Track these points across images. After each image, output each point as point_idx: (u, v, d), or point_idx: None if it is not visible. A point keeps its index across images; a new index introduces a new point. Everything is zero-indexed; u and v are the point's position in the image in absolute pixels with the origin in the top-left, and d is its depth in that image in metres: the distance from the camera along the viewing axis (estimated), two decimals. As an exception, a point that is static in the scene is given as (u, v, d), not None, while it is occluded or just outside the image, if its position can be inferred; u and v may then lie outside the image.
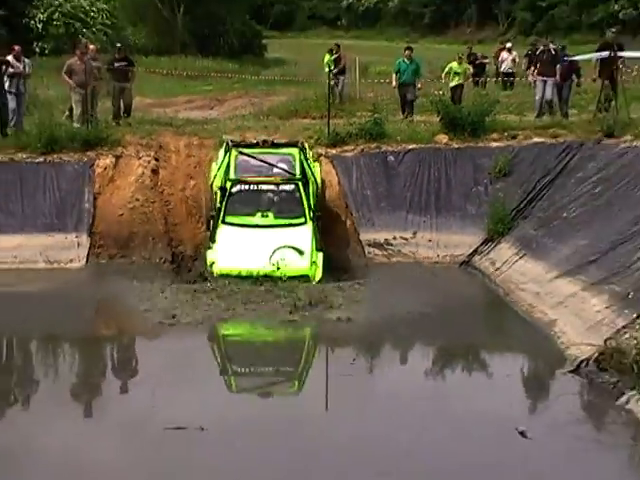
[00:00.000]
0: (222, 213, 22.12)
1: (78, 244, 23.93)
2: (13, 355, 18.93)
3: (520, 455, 12.56)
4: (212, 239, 21.89)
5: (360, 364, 17.11)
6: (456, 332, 19.07)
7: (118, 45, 32.70)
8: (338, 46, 36.05)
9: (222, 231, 21.88)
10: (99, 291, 21.81)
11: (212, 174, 23.80)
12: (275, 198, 22.79)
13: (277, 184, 22.85)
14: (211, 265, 21.26)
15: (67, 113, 28.34)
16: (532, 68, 30.12)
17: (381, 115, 27.33)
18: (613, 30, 30.49)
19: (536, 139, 25.48)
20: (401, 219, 24.62)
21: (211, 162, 24.69)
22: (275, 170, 22.92)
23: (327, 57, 36.14)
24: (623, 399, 13.75)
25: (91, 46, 30.49)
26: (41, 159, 25.22)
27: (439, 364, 17.75)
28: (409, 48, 31.99)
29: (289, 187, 22.79)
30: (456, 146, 25.76)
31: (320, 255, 21.57)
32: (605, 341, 15.27)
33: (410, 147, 25.91)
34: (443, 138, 26.05)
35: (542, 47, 29.84)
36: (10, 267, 23.00)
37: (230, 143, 23.53)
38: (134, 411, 14.53)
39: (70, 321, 19.60)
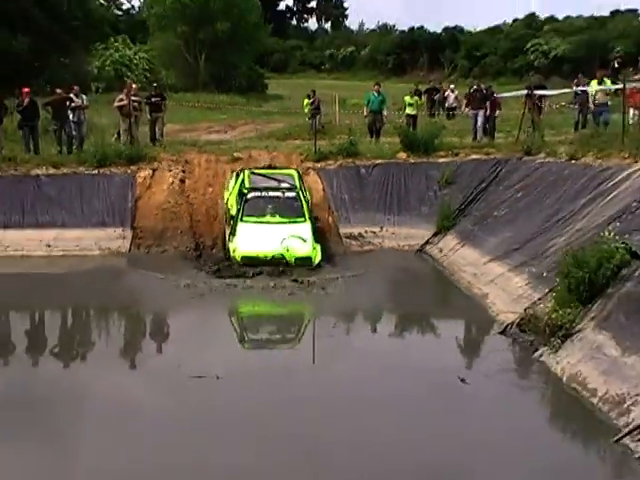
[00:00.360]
0: (241, 214, 22.14)
1: (124, 236, 24.07)
2: (74, 319, 18.97)
3: (461, 396, 12.61)
4: (233, 234, 21.79)
5: (339, 328, 17.14)
6: (412, 302, 19.16)
7: (154, 84, 32.70)
8: (314, 92, 35.90)
9: (241, 227, 21.81)
10: (140, 271, 21.79)
11: (225, 196, 23.95)
12: (281, 202, 22.71)
13: (283, 192, 22.94)
14: (234, 251, 21.28)
15: (115, 136, 28.41)
16: (467, 103, 30.09)
17: (355, 138, 27.43)
18: (534, 74, 30.36)
19: (473, 156, 25.57)
20: (371, 217, 24.66)
21: (225, 184, 24.87)
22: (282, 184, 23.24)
23: (306, 101, 36.20)
24: (538, 353, 13.80)
25: (134, 85, 30.50)
26: (96, 171, 25.36)
27: (399, 327, 17.84)
28: (377, 84, 32.04)
29: (291, 194, 22.88)
30: (412, 161, 25.81)
31: (318, 246, 21.66)
32: (525, 310, 15.33)
33: (377, 162, 26.01)
34: (403, 155, 26.11)
35: (475, 87, 29.80)
36: (73, 253, 23.24)
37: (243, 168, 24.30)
38: (167, 363, 14.67)
39: (118, 293, 19.78)
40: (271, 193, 22.91)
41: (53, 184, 25.01)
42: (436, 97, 37.96)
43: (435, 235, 23.53)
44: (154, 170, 25.62)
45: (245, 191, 22.77)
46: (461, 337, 17.08)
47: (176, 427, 11.27)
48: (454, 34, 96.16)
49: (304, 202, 22.89)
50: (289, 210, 22.52)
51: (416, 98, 32.57)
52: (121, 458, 10.39)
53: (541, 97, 26.81)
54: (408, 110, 31.10)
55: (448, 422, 11.57)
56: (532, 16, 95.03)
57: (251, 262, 20.87)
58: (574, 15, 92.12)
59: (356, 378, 13.52)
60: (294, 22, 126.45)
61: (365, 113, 30.88)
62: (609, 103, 24.19)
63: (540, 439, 11.07)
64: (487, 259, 19.77)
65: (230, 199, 23.22)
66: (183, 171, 25.69)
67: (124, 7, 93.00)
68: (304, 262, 21.05)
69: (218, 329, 17.02)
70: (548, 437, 11.36)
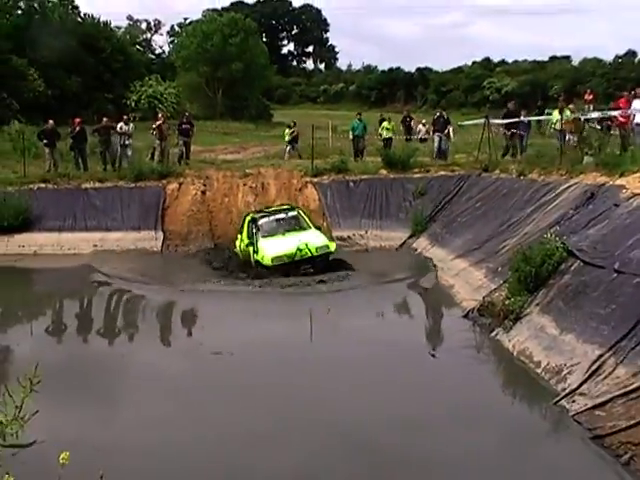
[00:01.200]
0: (257, 235, 21.09)
1: (156, 238, 24.31)
2: (115, 303, 19.06)
3: (429, 365, 12.71)
4: (256, 251, 20.72)
5: (333, 312, 17.11)
6: (389, 291, 18.99)
7: (186, 113, 32.47)
8: (294, 123, 34.77)
9: (262, 242, 20.78)
10: (171, 265, 22.47)
11: (237, 243, 22.67)
12: (287, 221, 21.89)
13: (286, 213, 22.29)
14: (262, 258, 20.31)
15: (149, 156, 28.43)
16: (432, 128, 29.90)
17: (345, 157, 27.45)
18: (513, 102, 29.70)
19: (441, 172, 25.50)
20: (357, 222, 24.61)
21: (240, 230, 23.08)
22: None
23: (286, 131, 34.52)
24: (493, 333, 13.85)
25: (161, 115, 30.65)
26: (133, 185, 25.59)
27: (378, 309, 17.64)
28: (359, 113, 32.15)
29: (293, 213, 22.23)
30: (392, 176, 25.75)
31: (333, 243, 21.45)
32: (483, 298, 15.38)
33: (364, 177, 25.97)
34: (384, 171, 26.07)
35: (438, 114, 29.67)
36: (115, 250, 23.57)
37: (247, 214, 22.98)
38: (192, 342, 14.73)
39: (152, 281, 20.09)
40: (277, 216, 22.01)
41: (99, 195, 25.33)
42: (411, 123, 37.45)
43: (410, 237, 23.54)
44: (180, 184, 25.69)
45: (256, 218, 21.78)
46: (431, 319, 17.20)
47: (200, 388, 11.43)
48: (424, 73, 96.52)
49: (305, 217, 22.23)
50: (295, 225, 21.73)
51: (393, 123, 32.51)
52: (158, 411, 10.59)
53: (518, 124, 26.25)
54: (385, 134, 31.04)
55: (416, 385, 11.75)
56: (487, 60, 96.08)
57: (280, 261, 20.06)
58: (520, 59, 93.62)
59: (345, 348, 13.78)
60: (295, 63, 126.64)
61: (351, 137, 30.76)
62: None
63: (494, 401, 11.21)
64: (453, 256, 19.82)
65: (244, 240, 21.95)
66: (204, 184, 25.72)
67: (157, 52, 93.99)
68: (323, 251, 20.47)
69: (235, 314, 17.12)
70: (500, 399, 11.51)
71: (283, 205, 23.74)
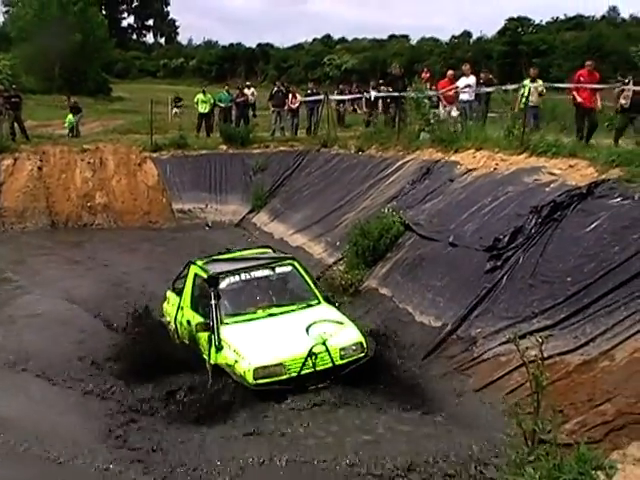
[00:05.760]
0: (218, 315, 10.85)
1: None
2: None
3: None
4: (219, 347, 10.38)
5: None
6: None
7: (13, 86, 31.27)
8: (71, 100, 33.01)
9: (229, 332, 10.63)
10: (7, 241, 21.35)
11: (170, 308, 12.89)
12: (275, 284, 11.86)
13: (271, 268, 11.86)
14: (234, 368, 10.01)
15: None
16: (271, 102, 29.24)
17: (184, 133, 26.97)
18: (396, 65, 28.94)
19: (281, 147, 25.61)
20: (198, 196, 24.47)
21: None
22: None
23: (69, 117, 32.74)
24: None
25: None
26: (-35, 161, 24.35)
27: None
28: (227, 84, 31.25)
29: (286, 269, 11.94)
30: (231, 152, 25.64)
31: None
32: (323, 272, 15.47)
33: (203, 152, 25.81)
34: (223, 147, 25.90)
35: (276, 89, 29.01)
36: None
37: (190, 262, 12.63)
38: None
39: None
40: (254, 273, 11.72)
41: None
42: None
43: (250, 212, 23.53)
44: (15, 159, 24.38)
45: (214, 277, 11.38)
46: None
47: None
48: (265, 49, 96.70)
49: (307, 277, 12.01)
50: (290, 292, 11.83)
51: (209, 96, 30.97)
52: None
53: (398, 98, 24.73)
54: (201, 107, 29.33)
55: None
56: (328, 37, 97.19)
57: (273, 377, 9.95)
58: (360, 37, 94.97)
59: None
60: (135, 37, 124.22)
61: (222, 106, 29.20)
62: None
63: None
64: (292, 231, 19.87)
65: (185, 309, 12.11)
66: (40, 160, 24.49)
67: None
68: (354, 356, 10.30)
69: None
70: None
71: (261, 249, 13.92)
